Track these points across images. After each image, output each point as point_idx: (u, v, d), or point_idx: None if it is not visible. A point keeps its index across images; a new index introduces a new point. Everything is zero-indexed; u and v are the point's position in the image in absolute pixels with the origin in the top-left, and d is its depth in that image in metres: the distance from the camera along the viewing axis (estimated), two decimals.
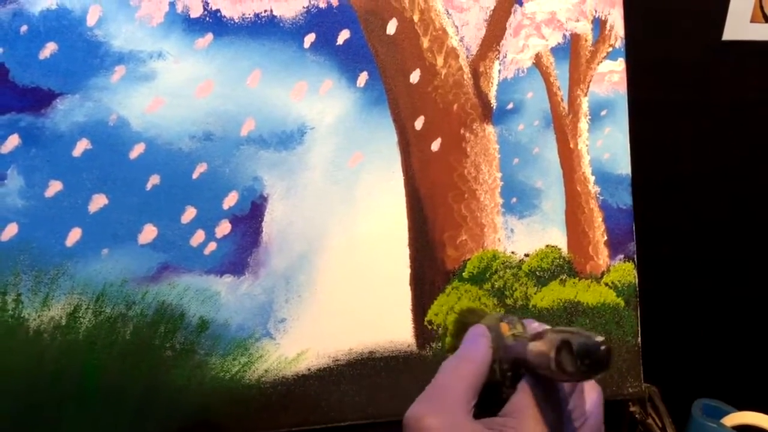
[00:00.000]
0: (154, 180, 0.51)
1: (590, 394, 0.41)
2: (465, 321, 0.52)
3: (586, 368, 0.35)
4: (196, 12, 0.52)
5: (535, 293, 0.58)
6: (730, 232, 0.86)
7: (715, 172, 0.84)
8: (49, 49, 0.49)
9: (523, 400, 0.39)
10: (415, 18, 0.56)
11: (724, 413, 0.76)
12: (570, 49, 0.59)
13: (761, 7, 0.81)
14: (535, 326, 0.46)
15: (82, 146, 0.50)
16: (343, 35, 0.55)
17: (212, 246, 0.52)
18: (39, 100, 0.49)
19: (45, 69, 0.49)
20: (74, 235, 0.50)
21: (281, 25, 0.53)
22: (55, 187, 0.49)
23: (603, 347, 0.35)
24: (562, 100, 0.59)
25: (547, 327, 0.44)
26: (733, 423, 0.75)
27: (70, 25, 0.50)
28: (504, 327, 0.45)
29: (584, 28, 0.59)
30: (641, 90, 0.77)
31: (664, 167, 0.82)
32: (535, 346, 0.39)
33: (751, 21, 0.81)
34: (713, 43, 0.81)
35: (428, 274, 0.56)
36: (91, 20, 0.50)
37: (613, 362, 0.35)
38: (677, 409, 0.67)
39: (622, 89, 0.60)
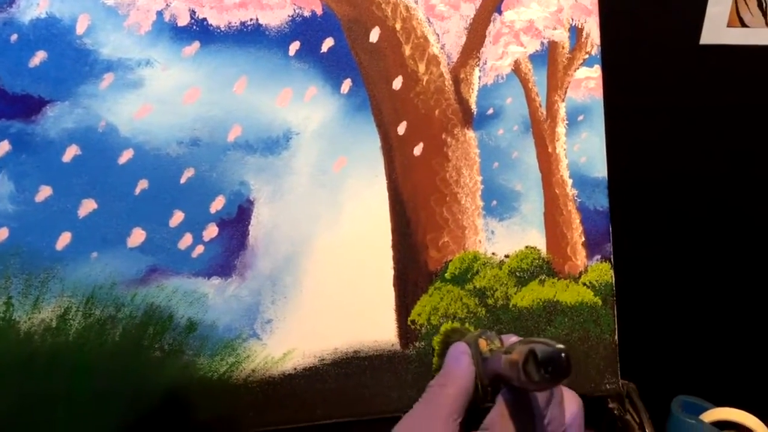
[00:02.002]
0: (143, 185, 0.52)
1: (570, 406, 0.42)
2: (448, 341, 0.54)
3: (549, 376, 0.36)
4: (183, 21, 0.53)
5: (515, 293, 0.59)
6: (705, 231, 0.88)
7: (692, 175, 0.85)
8: (39, 57, 0.50)
9: (498, 413, 0.41)
10: (398, 26, 0.57)
11: (703, 409, 0.78)
12: (548, 56, 0.61)
13: (737, 12, 0.82)
14: (513, 340, 0.47)
15: (71, 152, 0.51)
16: (327, 43, 0.56)
17: (200, 249, 0.53)
18: (29, 107, 0.50)
19: (35, 76, 0.50)
20: (64, 239, 0.51)
21: (267, 33, 0.55)
22: (45, 192, 0.50)
23: (563, 354, 0.35)
24: (540, 105, 0.61)
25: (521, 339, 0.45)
26: (711, 419, 0.76)
27: (60, 33, 0.51)
28: (482, 343, 0.46)
29: (561, 36, 0.61)
30: (619, 95, 0.78)
31: (641, 170, 0.83)
32: (507, 358, 0.40)
33: (728, 25, 0.83)
34: (691, 47, 0.82)
35: (411, 275, 0.58)
36: (80, 29, 0.51)
37: (573, 369, 0.35)
38: (657, 406, 0.69)
39: (598, 95, 0.62)
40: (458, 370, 0.44)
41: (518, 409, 0.41)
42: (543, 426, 0.42)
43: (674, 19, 0.81)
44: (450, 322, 0.59)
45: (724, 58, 0.83)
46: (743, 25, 0.82)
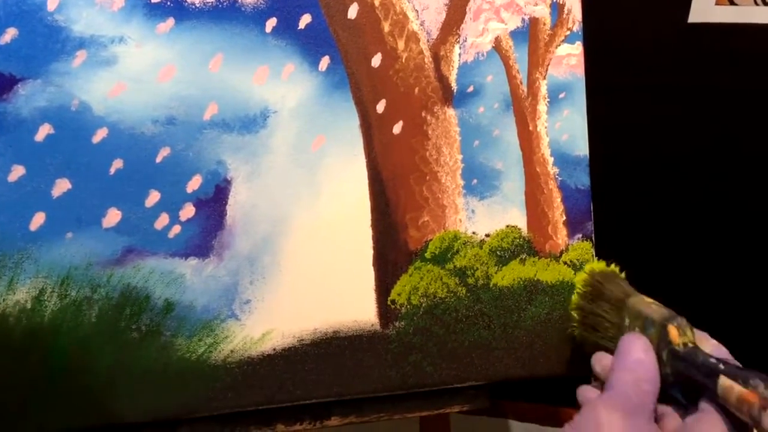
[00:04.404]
0: (118, 164, 0.52)
1: None
2: (603, 289, 0.52)
3: None
4: None
5: (495, 272, 0.59)
6: (688, 210, 0.88)
7: (676, 155, 0.85)
8: (10, 34, 0.49)
9: (709, 425, 0.40)
10: (376, 2, 0.56)
11: None
12: (529, 32, 0.60)
13: None
14: (702, 338, 0.46)
15: (44, 131, 0.50)
16: (305, 19, 0.55)
17: (177, 229, 0.53)
18: (0, 85, 0.49)
19: (5, 54, 0.49)
20: (38, 220, 0.50)
21: (243, 9, 0.54)
22: (17, 171, 0.50)
23: None
24: (521, 83, 0.60)
25: (722, 354, 0.43)
26: None
27: (30, 10, 0.50)
28: (673, 332, 0.44)
29: (542, 12, 0.60)
30: (605, 73, 0.78)
31: (624, 149, 0.83)
32: (733, 389, 0.38)
33: (716, 3, 0.82)
34: (678, 25, 0.82)
35: (391, 254, 0.57)
36: (51, 5, 0.50)
37: None
38: None
39: (580, 72, 0.62)
40: (648, 373, 0.43)
41: (732, 427, 0.40)
42: None
43: None
44: (596, 260, 0.57)
45: (712, 36, 0.82)
46: (732, 3, 0.82)
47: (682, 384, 0.44)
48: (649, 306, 0.48)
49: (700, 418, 0.41)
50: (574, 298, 0.57)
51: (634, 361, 0.45)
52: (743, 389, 0.37)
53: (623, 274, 0.56)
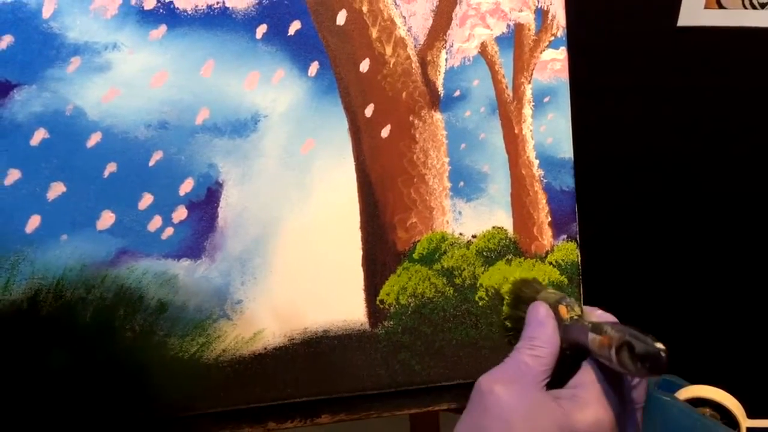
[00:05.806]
0: (111, 168, 0.53)
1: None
2: (520, 293, 0.58)
3: (645, 370, 0.39)
4: (149, 4, 0.53)
5: (482, 273, 0.60)
6: (672, 209, 0.88)
7: (664, 157, 0.86)
8: (6, 41, 0.51)
9: (589, 375, 0.44)
10: (364, 9, 0.58)
11: (678, 387, 0.79)
12: (514, 38, 0.61)
13: None
14: (597, 314, 0.51)
15: (39, 135, 0.51)
16: (294, 26, 0.56)
17: (169, 231, 0.54)
18: None
19: (1, 61, 0.50)
20: (33, 222, 0.51)
21: (233, 16, 0.55)
22: (13, 175, 0.51)
23: (663, 354, 0.38)
24: (506, 87, 0.61)
25: (604, 319, 0.48)
26: (687, 396, 0.78)
27: (26, 17, 0.51)
28: (562, 310, 0.49)
29: (527, 18, 0.62)
30: (593, 77, 0.79)
31: (612, 151, 0.84)
32: (596, 339, 0.43)
33: (705, 7, 0.83)
34: (668, 29, 0.83)
35: (380, 255, 0.58)
36: (46, 13, 0.51)
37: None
38: None
39: (564, 76, 0.63)
40: (545, 335, 0.47)
41: (607, 376, 0.44)
42: (630, 395, 0.46)
43: (651, 1, 0.81)
44: (518, 268, 0.60)
45: (701, 40, 0.83)
46: (721, 6, 0.83)
47: (577, 356, 0.48)
48: (549, 294, 0.53)
49: (579, 373, 0.46)
50: (504, 309, 0.59)
51: (533, 324, 0.49)
52: (600, 336, 0.43)
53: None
